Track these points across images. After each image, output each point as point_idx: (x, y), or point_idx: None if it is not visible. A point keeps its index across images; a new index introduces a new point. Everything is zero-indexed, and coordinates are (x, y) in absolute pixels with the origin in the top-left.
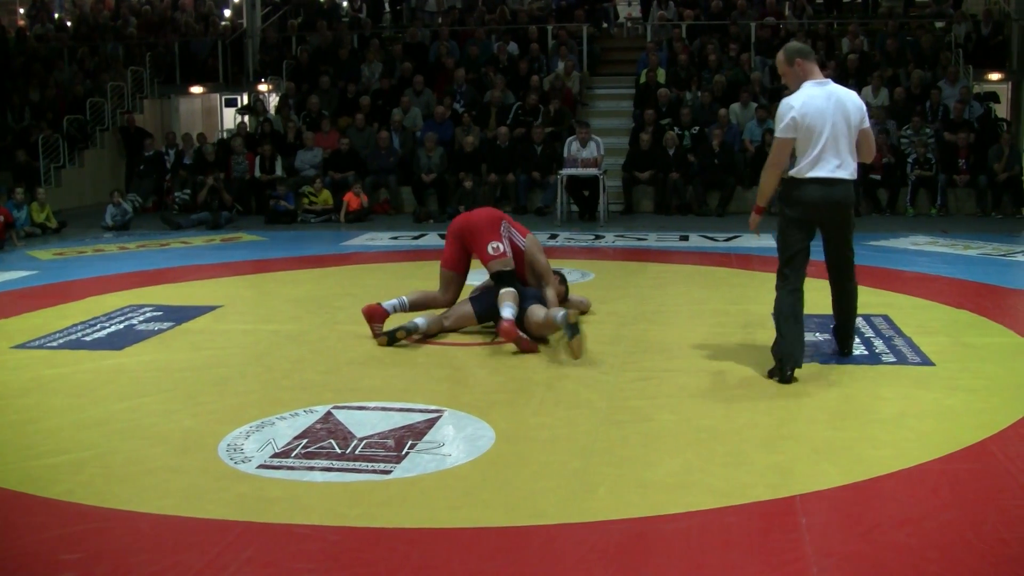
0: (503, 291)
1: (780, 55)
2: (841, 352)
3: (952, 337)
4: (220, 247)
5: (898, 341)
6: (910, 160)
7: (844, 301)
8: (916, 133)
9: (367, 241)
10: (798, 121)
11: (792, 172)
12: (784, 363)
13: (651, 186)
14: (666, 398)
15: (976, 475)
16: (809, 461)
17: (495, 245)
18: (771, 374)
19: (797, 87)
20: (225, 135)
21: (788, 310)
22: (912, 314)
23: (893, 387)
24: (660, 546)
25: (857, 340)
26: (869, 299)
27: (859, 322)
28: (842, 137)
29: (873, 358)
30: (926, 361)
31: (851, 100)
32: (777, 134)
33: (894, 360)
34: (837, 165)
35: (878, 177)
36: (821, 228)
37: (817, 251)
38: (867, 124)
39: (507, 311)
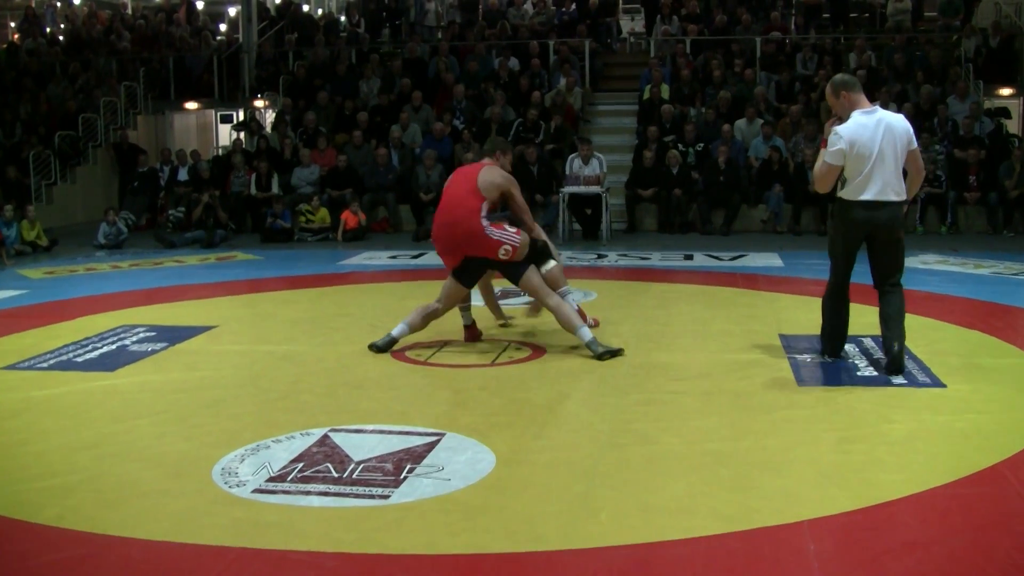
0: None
1: (828, 88)
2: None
3: (963, 358)
4: (215, 266)
5: (908, 362)
6: None
7: (888, 311)
8: (925, 150)
9: (365, 260)
10: (846, 151)
11: (841, 194)
12: (823, 347)
13: (655, 204)
14: (670, 420)
15: (988, 500)
16: (817, 485)
17: (505, 249)
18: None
19: (847, 117)
20: (220, 152)
21: (826, 303)
22: (922, 334)
23: (903, 409)
24: (664, 572)
25: (866, 361)
26: (878, 319)
27: (868, 343)
28: (889, 161)
29: (882, 380)
30: (936, 383)
31: (899, 124)
32: (827, 159)
33: (903, 382)
34: (883, 188)
35: None
36: (868, 245)
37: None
38: (914, 145)
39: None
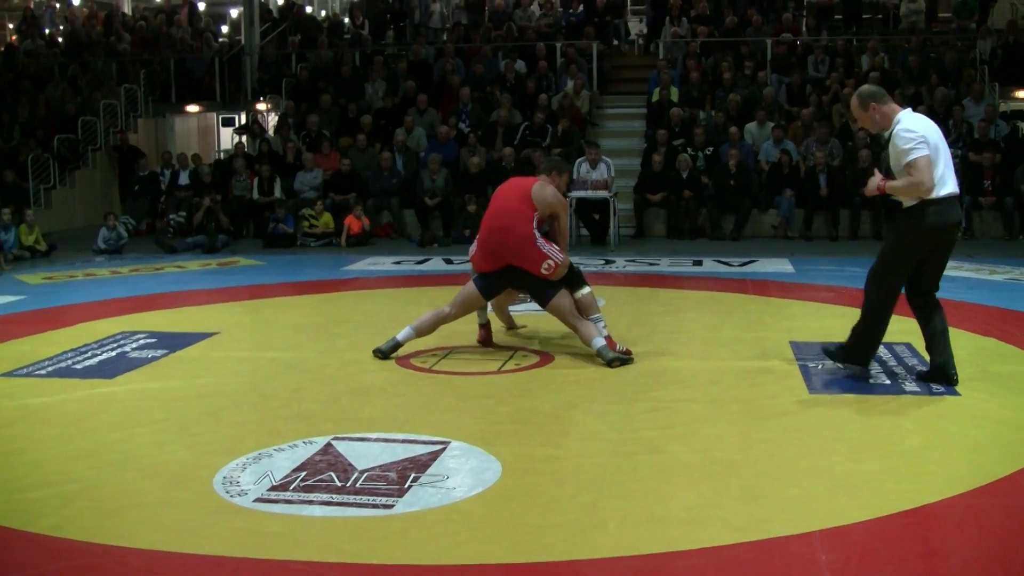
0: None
1: (854, 101)
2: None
3: (978, 366)
4: (216, 272)
5: (922, 370)
6: None
7: (940, 327)
8: None
9: (369, 266)
10: (928, 141)
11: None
12: (859, 356)
13: (663, 209)
14: (679, 429)
15: (1004, 510)
16: (829, 495)
17: (548, 264)
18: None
19: (877, 129)
20: (222, 155)
21: (880, 311)
22: None
23: (916, 418)
24: None
25: (879, 369)
26: (891, 326)
27: (881, 351)
28: (947, 154)
29: (896, 388)
30: (951, 391)
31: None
32: (917, 155)
33: (917, 390)
34: (954, 183)
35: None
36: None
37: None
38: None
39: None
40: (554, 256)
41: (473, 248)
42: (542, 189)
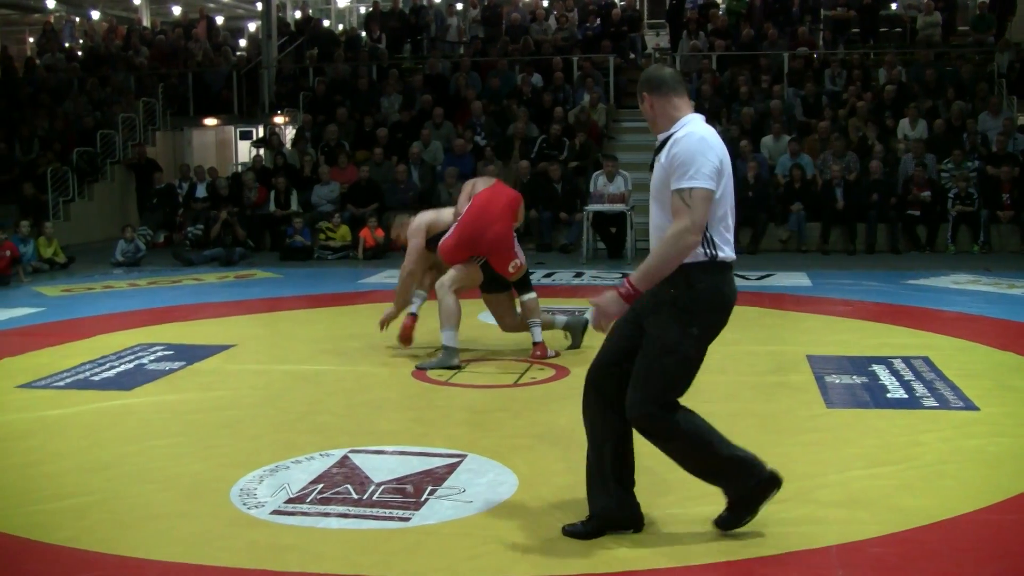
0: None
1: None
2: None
3: (996, 380)
4: (233, 284)
5: (939, 384)
6: (951, 195)
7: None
8: (957, 167)
9: (385, 279)
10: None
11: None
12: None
13: None
14: None
15: (1022, 526)
16: (845, 510)
17: (515, 264)
18: None
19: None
20: (239, 168)
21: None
22: (954, 356)
23: (934, 432)
24: None
25: (896, 383)
26: (909, 340)
27: (899, 364)
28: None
29: (913, 402)
30: (969, 405)
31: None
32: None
33: (935, 404)
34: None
35: (917, 213)
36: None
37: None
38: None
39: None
40: (521, 259)
41: (446, 237)
42: (522, 205)
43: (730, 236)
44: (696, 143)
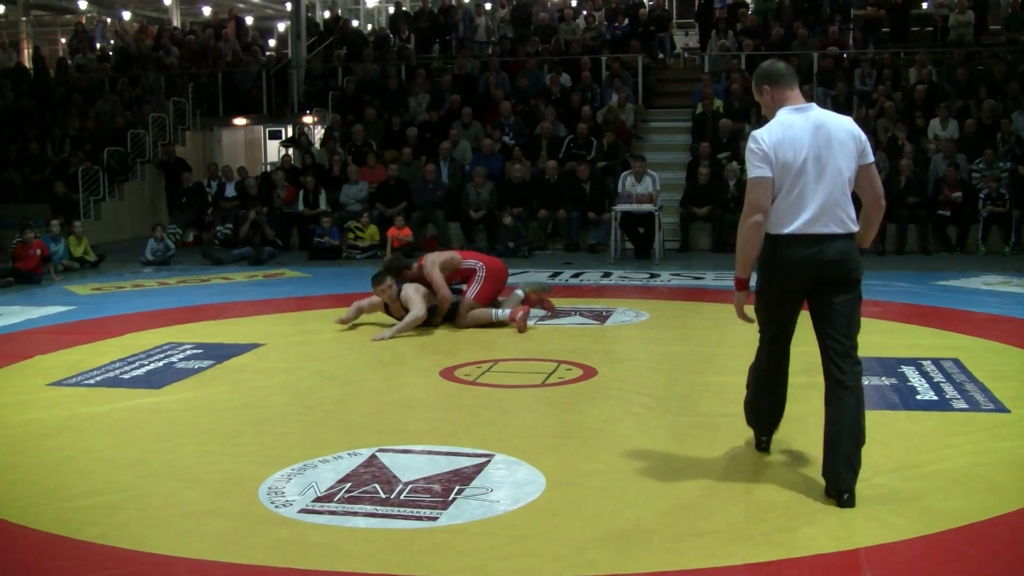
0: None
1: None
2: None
3: None
4: (262, 283)
5: (970, 386)
6: (982, 195)
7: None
8: (989, 167)
9: None
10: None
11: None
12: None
13: (709, 223)
14: (723, 444)
15: None
16: (875, 512)
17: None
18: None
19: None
20: (269, 168)
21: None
22: (984, 358)
23: (964, 435)
24: None
25: (926, 385)
26: (938, 342)
27: (929, 366)
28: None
29: (943, 404)
30: (1000, 408)
31: (842, 127)
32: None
33: (966, 406)
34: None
35: (948, 214)
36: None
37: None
38: (869, 159)
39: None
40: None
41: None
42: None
43: (795, 212)
44: (750, 139)
